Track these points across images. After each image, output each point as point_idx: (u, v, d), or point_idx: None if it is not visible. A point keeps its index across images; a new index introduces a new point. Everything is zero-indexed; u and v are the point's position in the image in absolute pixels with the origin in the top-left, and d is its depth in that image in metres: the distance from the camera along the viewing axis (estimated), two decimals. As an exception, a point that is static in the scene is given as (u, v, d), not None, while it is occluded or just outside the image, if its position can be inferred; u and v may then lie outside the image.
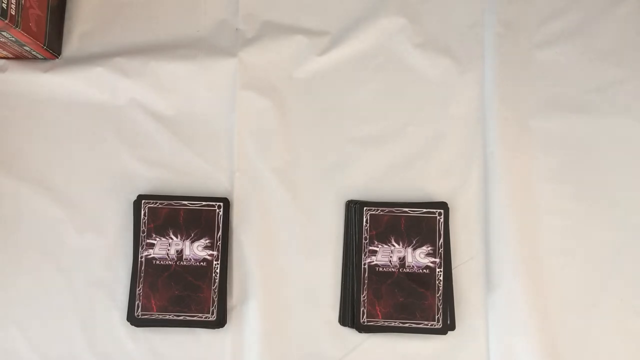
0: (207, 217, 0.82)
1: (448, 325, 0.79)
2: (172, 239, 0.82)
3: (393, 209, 0.81)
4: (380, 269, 0.80)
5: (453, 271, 0.81)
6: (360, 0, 0.88)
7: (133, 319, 0.80)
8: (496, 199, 0.81)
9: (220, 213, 0.82)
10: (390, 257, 0.80)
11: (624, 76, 0.84)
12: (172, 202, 0.82)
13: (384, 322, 0.79)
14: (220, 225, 0.82)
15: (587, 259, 0.81)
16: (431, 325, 0.79)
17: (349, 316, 0.80)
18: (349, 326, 0.80)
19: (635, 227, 0.81)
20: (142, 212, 0.82)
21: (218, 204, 0.82)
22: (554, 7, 0.86)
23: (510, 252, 0.80)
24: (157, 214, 0.82)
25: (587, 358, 0.78)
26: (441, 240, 0.80)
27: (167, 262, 0.81)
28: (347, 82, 0.86)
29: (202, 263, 0.81)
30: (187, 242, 0.81)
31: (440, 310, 0.79)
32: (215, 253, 0.81)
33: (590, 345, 0.79)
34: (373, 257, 0.80)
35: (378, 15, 0.87)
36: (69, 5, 0.90)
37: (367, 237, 0.81)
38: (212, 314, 0.80)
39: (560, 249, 0.81)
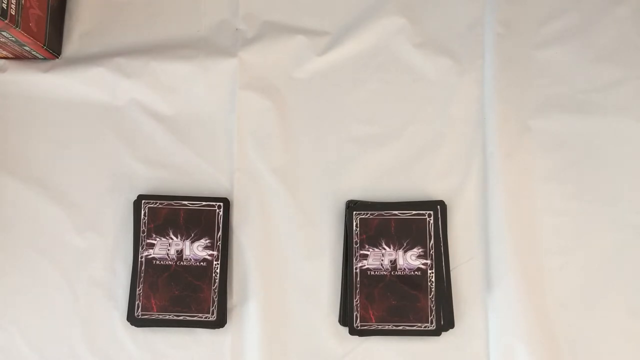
0: (207, 217, 0.82)
1: (442, 327, 0.79)
2: (172, 239, 0.82)
3: (383, 212, 0.81)
4: (372, 272, 0.80)
5: (453, 271, 0.81)
6: (360, 0, 0.88)
7: (133, 319, 0.80)
8: (496, 199, 0.81)
9: (220, 213, 0.82)
10: (382, 260, 0.80)
11: (623, 76, 0.84)
12: (172, 202, 0.82)
13: (378, 325, 0.79)
14: (220, 225, 0.82)
15: (587, 258, 0.81)
16: (425, 327, 0.79)
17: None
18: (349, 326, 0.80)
19: (635, 227, 0.81)
20: (142, 212, 0.82)
21: (218, 204, 0.82)
22: (554, 7, 0.86)
23: (510, 252, 0.80)
24: (157, 214, 0.82)
25: (586, 358, 0.78)
26: (432, 241, 0.80)
27: (167, 262, 0.81)
28: (347, 82, 0.86)
29: (202, 263, 0.81)
30: (187, 242, 0.82)
31: (434, 312, 0.79)
32: (215, 253, 0.81)
33: (590, 345, 0.79)
34: (364, 261, 0.80)
35: (378, 15, 0.87)
36: (69, 5, 0.90)
37: (358, 241, 0.81)
38: (212, 314, 0.80)
39: (560, 249, 0.81)
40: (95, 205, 0.84)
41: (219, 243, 0.82)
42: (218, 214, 0.82)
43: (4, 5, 0.74)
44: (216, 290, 0.80)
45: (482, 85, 0.85)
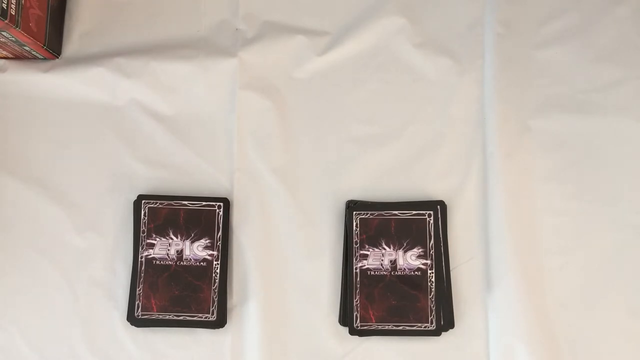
0: (207, 217, 0.82)
1: (442, 327, 0.79)
2: (172, 239, 0.82)
3: (383, 212, 0.81)
4: (372, 272, 0.80)
5: (453, 271, 0.81)
6: (360, 0, 0.88)
7: (133, 319, 0.80)
8: (496, 199, 0.81)
9: (220, 213, 0.82)
10: (382, 260, 0.80)
11: (623, 76, 0.84)
12: (172, 202, 0.82)
13: (378, 325, 0.79)
14: (220, 225, 0.82)
15: (587, 258, 0.81)
16: (425, 327, 0.79)
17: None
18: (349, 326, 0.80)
19: (635, 227, 0.81)
20: (142, 212, 0.82)
21: (218, 204, 0.82)
22: (554, 7, 0.86)
23: (510, 252, 0.80)
24: (157, 214, 0.82)
25: (586, 358, 0.78)
26: (432, 241, 0.80)
27: (167, 262, 0.81)
28: (347, 82, 0.86)
29: (202, 263, 0.81)
30: (187, 242, 0.82)
31: (434, 312, 0.79)
32: (215, 253, 0.81)
33: (590, 345, 0.79)
34: (364, 261, 0.80)
35: (378, 15, 0.87)
36: (69, 5, 0.90)
37: (358, 241, 0.81)
38: (212, 314, 0.80)
39: (560, 249, 0.81)
40: (95, 205, 0.84)
41: (219, 243, 0.82)
42: (218, 214, 0.82)
43: (4, 5, 0.74)
44: (216, 290, 0.80)
45: (482, 85, 0.85)
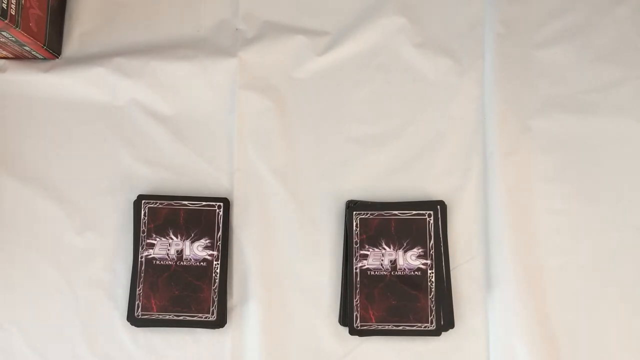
0: (207, 217, 0.82)
1: (442, 327, 0.79)
2: (172, 239, 0.82)
3: (383, 212, 0.81)
4: (372, 272, 0.80)
5: (453, 271, 0.81)
6: (360, 0, 0.88)
7: (133, 319, 0.80)
8: (496, 199, 0.81)
9: (220, 213, 0.82)
10: (382, 260, 0.80)
11: (623, 76, 0.84)
12: (172, 202, 0.82)
13: (378, 325, 0.79)
14: (220, 225, 0.82)
15: (587, 258, 0.81)
16: (425, 327, 0.79)
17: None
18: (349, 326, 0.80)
19: (635, 227, 0.81)
20: (142, 212, 0.82)
21: (218, 204, 0.82)
22: (554, 7, 0.86)
23: (510, 252, 0.80)
24: (157, 214, 0.82)
25: (586, 358, 0.78)
26: (432, 241, 0.80)
27: (167, 262, 0.81)
28: (347, 82, 0.86)
29: (202, 263, 0.81)
30: (187, 242, 0.82)
31: (434, 312, 0.79)
32: (215, 253, 0.81)
33: (590, 345, 0.79)
34: (364, 261, 0.80)
35: (378, 15, 0.87)
36: (69, 5, 0.90)
37: (358, 241, 0.81)
38: (212, 314, 0.80)
39: (560, 249, 0.81)
40: (95, 205, 0.84)
41: (219, 243, 0.82)
42: (218, 214, 0.82)
43: (4, 5, 0.74)
44: (216, 290, 0.80)
45: (482, 85, 0.85)
